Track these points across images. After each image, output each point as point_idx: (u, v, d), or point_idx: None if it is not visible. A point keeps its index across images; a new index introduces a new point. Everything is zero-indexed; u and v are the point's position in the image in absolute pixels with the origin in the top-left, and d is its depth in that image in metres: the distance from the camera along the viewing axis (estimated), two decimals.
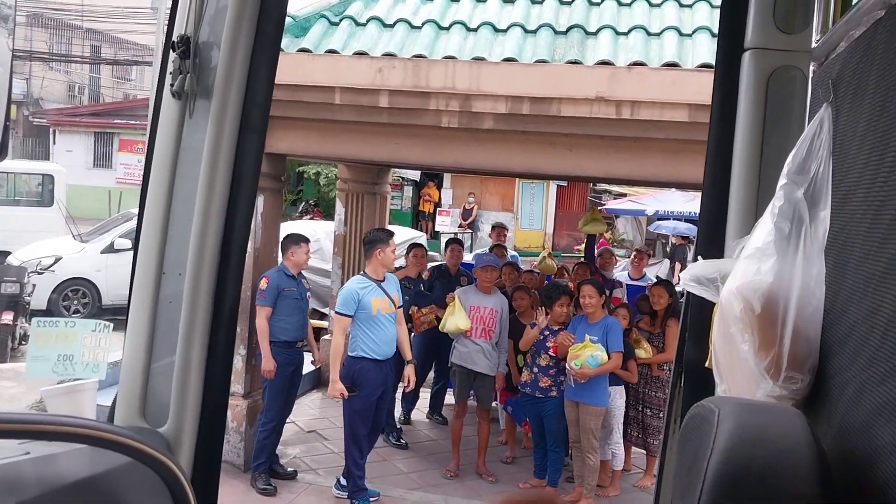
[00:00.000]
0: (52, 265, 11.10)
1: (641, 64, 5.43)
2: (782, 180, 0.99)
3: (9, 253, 11.96)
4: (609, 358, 5.72)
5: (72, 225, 12.88)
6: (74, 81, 30.63)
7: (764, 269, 0.94)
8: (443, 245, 10.74)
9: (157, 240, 1.45)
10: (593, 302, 5.80)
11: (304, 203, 22.79)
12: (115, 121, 26.73)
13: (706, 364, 1.12)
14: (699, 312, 1.44)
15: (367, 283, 5.61)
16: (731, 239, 1.42)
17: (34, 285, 10.21)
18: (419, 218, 24.02)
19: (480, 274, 6.49)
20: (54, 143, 27.29)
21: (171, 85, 1.40)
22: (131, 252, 1.55)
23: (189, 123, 1.43)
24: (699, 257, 1.32)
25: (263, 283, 5.93)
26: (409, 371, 5.90)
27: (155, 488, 1.12)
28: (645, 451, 6.61)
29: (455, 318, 6.24)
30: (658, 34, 5.81)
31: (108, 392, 5.57)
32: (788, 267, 0.93)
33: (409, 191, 24.53)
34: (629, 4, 6.23)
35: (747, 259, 0.97)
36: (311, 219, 18.87)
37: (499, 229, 9.92)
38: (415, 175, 23.69)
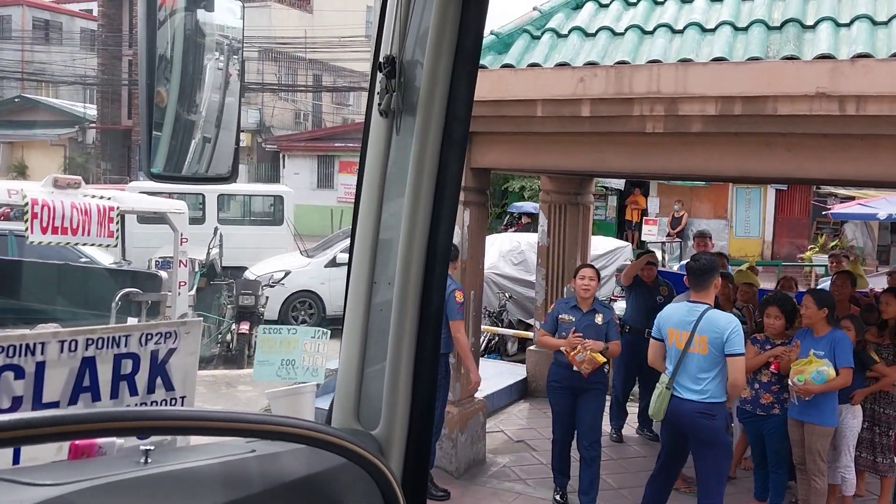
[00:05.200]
0: (282, 279, 12.07)
1: (867, 56, 4.99)
2: None
3: (246, 268, 13.17)
4: (837, 374, 5.28)
5: (299, 242, 13.95)
6: (300, 109, 33.23)
7: None
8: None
9: (369, 251, 1.52)
10: (809, 314, 5.41)
11: (508, 215, 23.08)
12: (336, 144, 28.71)
13: None
14: None
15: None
16: None
17: (267, 297, 11.17)
18: (624, 228, 23.46)
19: None
20: (284, 166, 29.81)
21: (379, 104, 1.48)
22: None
23: (396, 140, 1.50)
24: None
25: (459, 297, 5.85)
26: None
27: (367, 489, 1.18)
28: (876, 474, 6.05)
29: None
30: (885, 23, 5.30)
31: (324, 399, 5.90)
32: None
33: (612, 200, 24.08)
34: None
35: None
36: (515, 230, 19.09)
37: (699, 239, 9.40)
38: (619, 184, 23.19)
